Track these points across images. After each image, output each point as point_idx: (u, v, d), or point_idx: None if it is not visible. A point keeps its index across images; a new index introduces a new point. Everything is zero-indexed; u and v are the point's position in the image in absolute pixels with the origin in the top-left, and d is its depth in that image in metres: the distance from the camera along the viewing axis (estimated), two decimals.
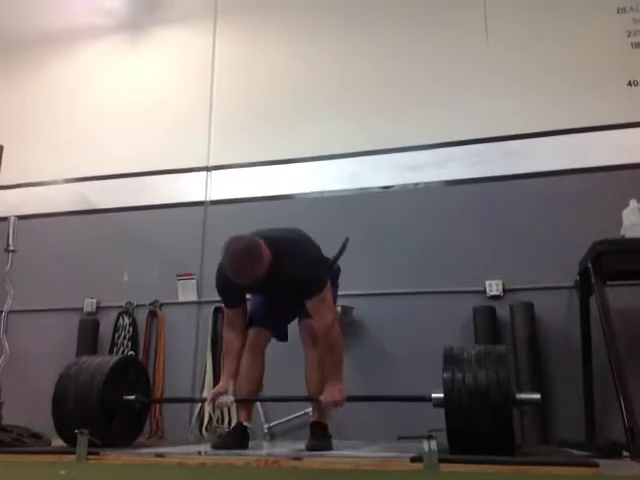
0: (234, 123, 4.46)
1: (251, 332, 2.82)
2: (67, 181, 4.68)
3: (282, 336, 2.94)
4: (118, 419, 2.81)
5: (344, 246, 2.97)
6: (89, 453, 2.30)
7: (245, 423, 2.78)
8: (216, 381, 3.85)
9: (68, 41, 5.01)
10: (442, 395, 2.31)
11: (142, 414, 3.06)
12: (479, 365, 2.30)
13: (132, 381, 2.94)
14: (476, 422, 2.19)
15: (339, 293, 2.97)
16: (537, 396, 2.41)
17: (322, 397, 2.65)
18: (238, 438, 2.71)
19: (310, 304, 2.62)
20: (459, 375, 2.28)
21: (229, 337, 2.81)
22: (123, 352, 4.04)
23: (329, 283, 2.68)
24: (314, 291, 2.60)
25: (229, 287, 2.67)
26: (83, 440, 2.30)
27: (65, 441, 2.66)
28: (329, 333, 2.63)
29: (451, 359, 2.37)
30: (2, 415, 3.28)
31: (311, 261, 2.64)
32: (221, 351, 3.92)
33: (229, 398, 2.70)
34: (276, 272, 2.53)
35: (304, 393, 2.85)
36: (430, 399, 2.41)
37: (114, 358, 2.94)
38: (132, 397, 2.86)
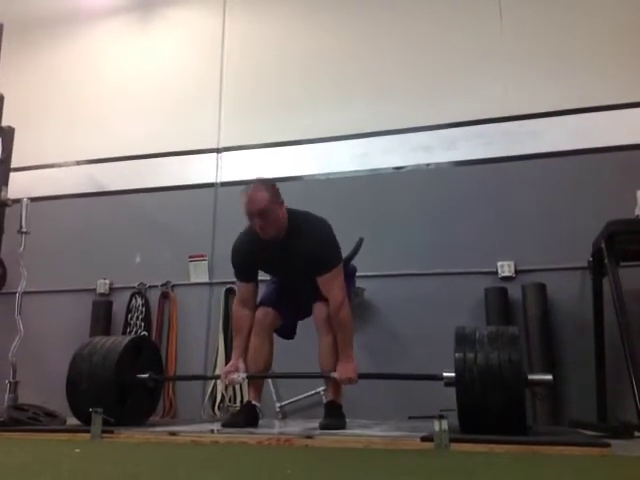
0: (244, 105, 4.44)
1: (259, 312, 2.84)
2: (79, 163, 4.70)
3: (289, 331, 2.95)
4: (132, 398, 2.84)
5: (358, 246, 3.00)
6: (103, 432, 2.33)
7: (254, 402, 2.80)
8: (228, 360, 3.89)
9: (78, 23, 4.99)
10: (453, 374, 2.31)
11: (155, 392, 3.09)
12: (491, 345, 2.29)
13: (145, 360, 2.96)
14: (487, 402, 2.19)
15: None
16: (549, 377, 2.41)
17: (335, 374, 2.67)
18: (248, 416, 2.74)
19: (323, 280, 2.64)
20: (471, 355, 2.28)
21: (240, 314, 2.82)
22: (136, 332, 4.08)
23: (342, 265, 2.69)
24: (328, 265, 2.64)
25: (244, 260, 2.75)
26: (97, 419, 2.33)
27: (80, 420, 2.69)
28: (340, 311, 2.65)
29: (463, 339, 2.37)
30: (17, 394, 3.32)
31: (327, 235, 2.69)
32: (232, 332, 3.96)
33: (240, 375, 2.73)
34: (291, 241, 2.62)
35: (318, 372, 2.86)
36: (441, 378, 2.42)
37: (127, 338, 2.97)
38: (145, 376, 2.89)
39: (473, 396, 2.22)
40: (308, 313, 2.87)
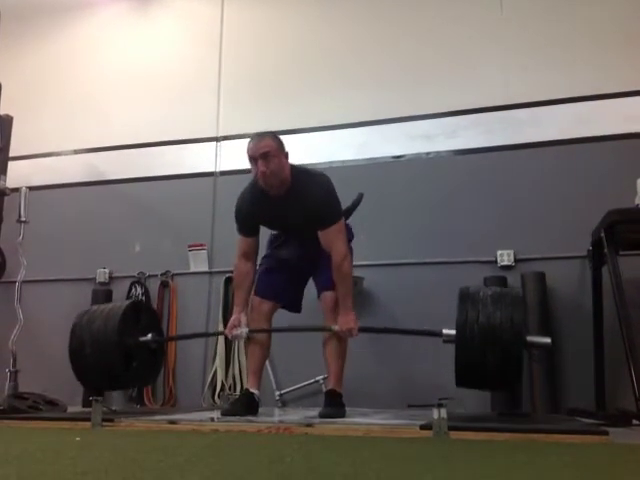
0: (243, 93, 4.42)
1: (255, 300, 2.87)
2: (77, 152, 4.68)
3: (295, 304, 2.95)
4: (137, 360, 2.86)
5: (358, 200, 3.00)
6: (104, 420, 2.34)
7: (253, 390, 2.80)
8: (227, 350, 3.91)
9: (78, 10, 4.95)
10: (453, 332, 2.33)
11: (158, 354, 3.11)
12: (494, 305, 2.31)
13: (145, 324, 2.98)
14: (486, 359, 2.22)
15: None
16: (547, 340, 2.43)
17: (336, 327, 2.71)
18: (247, 405, 2.74)
19: (326, 233, 2.69)
20: (473, 313, 2.31)
21: (242, 269, 2.85)
22: None
23: (344, 220, 2.78)
24: (331, 218, 2.70)
25: (247, 213, 2.80)
26: (98, 407, 2.34)
27: (86, 387, 2.69)
28: (343, 263, 2.69)
29: (466, 298, 2.38)
30: (18, 383, 3.34)
31: (328, 190, 2.73)
32: None
33: (243, 330, 2.77)
34: (294, 196, 2.68)
35: (318, 360, 2.88)
36: (441, 335, 2.45)
37: (125, 303, 2.95)
38: (148, 337, 2.91)
39: (472, 352, 2.25)
40: (310, 274, 2.88)
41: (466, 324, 2.30)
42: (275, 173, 2.64)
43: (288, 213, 2.73)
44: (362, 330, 2.78)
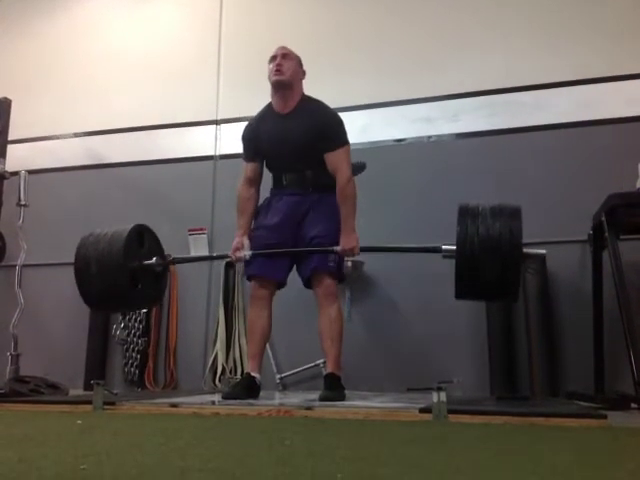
0: (243, 76, 4.38)
1: (252, 285, 2.88)
2: (76, 135, 4.66)
3: (281, 272, 2.88)
4: (141, 282, 2.89)
5: (360, 168, 3.07)
6: (105, 403, 2.35)
7: (254, 374, 2.81)
8: (228, 334, 3.92)
9: None
10: (453, 247, 2.38)
11: (163, 278, 3.15)
12: (493, 217, 2.39)
13: (148, 248, 2.99)
14: (485, 268, 2.27)
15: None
16: (543, 252, 2.54)
17: (339, 248, 2.75)
18: (248, 388, 2.76)
19: (333, 155, 2.80)
20: (472, 226, 2.39)
21: (244, 195, 2.96)
22: None
23: (349, 147, 2.87)
24: (339, 138, 2.83)
25: (252, 131, 2.96)
26: (99, 390, 2.35)
27: (91, 307, 2.70)
28: (348, 185, 2.80)
29: (466, 212, 2.45)
30: (19, 366, 3.35)
31: (335, 115, 2.89)
32: (232, 305, 3.98)
33: (247, 253, 2.84)
34: (303, 111, 2.84)
35: (318, 344, 2.88)
36: (440, 250, 2.53)
37: (129, 227, 2.93)
38: (152, 261, 2.94)
39: (471, 262, 2.32)
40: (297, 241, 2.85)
41: (466, 236, 2.38)
42: (289, 72, 2.83)
43: (293, 130, 2.82)
44: (363, 250, 2.84)
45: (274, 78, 2.84)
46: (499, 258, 2.29)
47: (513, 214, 2.41)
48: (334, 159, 2.81)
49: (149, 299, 3.01)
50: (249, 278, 2.92)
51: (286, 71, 2.83)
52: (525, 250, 2.41)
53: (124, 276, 2.74)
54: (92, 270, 2.74)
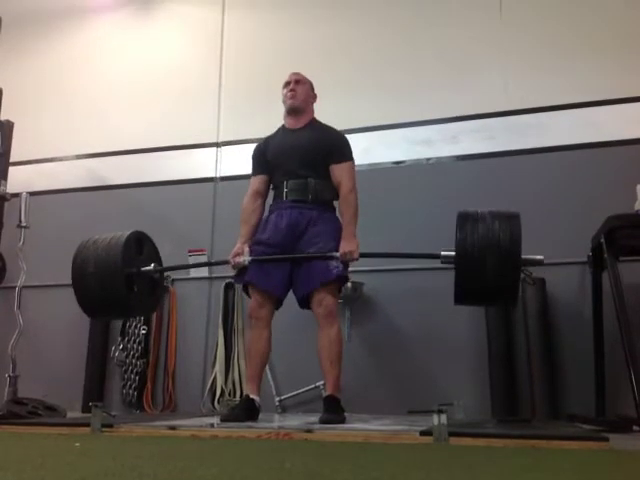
0: (244, 99, 4.42)
1: (251, 303, 2.88)
2: (78, 157, 4.69)
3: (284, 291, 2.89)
4: (138, 288, 2.89)
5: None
6: (103, 425, 2.33)
7: (253, 396, 2.79)
8: (227, 356, 3.90)
9: (78, 15, 4.98)
10: (452, 253, 2.39)
11: (160, 285, 3.16)
12: (492, 221, 2.43)
13: (146, 255, 3.00)
14: (485, 272, 2.29)
15: (350, 269, 2.97)
16: (541, 257, 2.53)
17: (338, 253, 2.78)
18: (247, 411, 2.73)
19: (339, 168, 2.93)
20: (472, 231, 2.42)
21: (249, 206, 3.03)
22: (136, 327, 4.08)
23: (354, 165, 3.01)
24: (346, 154, 2.97)
25: (262, 145, 3.10)
26: (97, 412, 2.34)
27: (86, 312, 2.70)
28: (351, 194, 2.91)
29: (465, 218, 2.48)
30: (17, 388, 3.33)
31: (343, 135, 3.06)
32: (232, 327, 3.97)
33: (246, 258, 2.87)
34: (314, 129, 3.01)
35: (317, 366, 2.86)
36: (439, 257, 2.56)
37: (126, 233, 2.93)
38: (150, 267, 2.95)
39: (471, 265, 2.36)
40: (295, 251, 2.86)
41: (466, 241, 2.40)
42: (302, 97, 3.02)
43: (302, 138, 2.96)
44: (363, 255, 2.83)
45: (289, 102, 3.04)
46: (498, 260, 2.31)
47: (511, 218, 2.46)
48: (339, 171, 2.93)
49: (145, 306, 3.01)
50: (245, 287, 2.93)
51: (299, 96, 3.03)
52: (523, 256, 2.43)
53: (121, 280, 2.76)
54: (89, 270, 2.76)
